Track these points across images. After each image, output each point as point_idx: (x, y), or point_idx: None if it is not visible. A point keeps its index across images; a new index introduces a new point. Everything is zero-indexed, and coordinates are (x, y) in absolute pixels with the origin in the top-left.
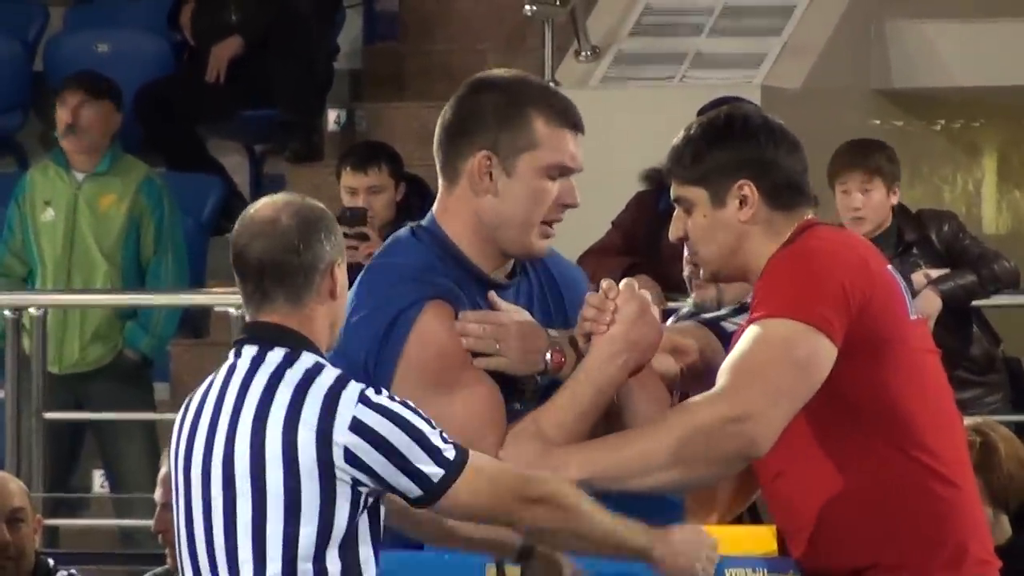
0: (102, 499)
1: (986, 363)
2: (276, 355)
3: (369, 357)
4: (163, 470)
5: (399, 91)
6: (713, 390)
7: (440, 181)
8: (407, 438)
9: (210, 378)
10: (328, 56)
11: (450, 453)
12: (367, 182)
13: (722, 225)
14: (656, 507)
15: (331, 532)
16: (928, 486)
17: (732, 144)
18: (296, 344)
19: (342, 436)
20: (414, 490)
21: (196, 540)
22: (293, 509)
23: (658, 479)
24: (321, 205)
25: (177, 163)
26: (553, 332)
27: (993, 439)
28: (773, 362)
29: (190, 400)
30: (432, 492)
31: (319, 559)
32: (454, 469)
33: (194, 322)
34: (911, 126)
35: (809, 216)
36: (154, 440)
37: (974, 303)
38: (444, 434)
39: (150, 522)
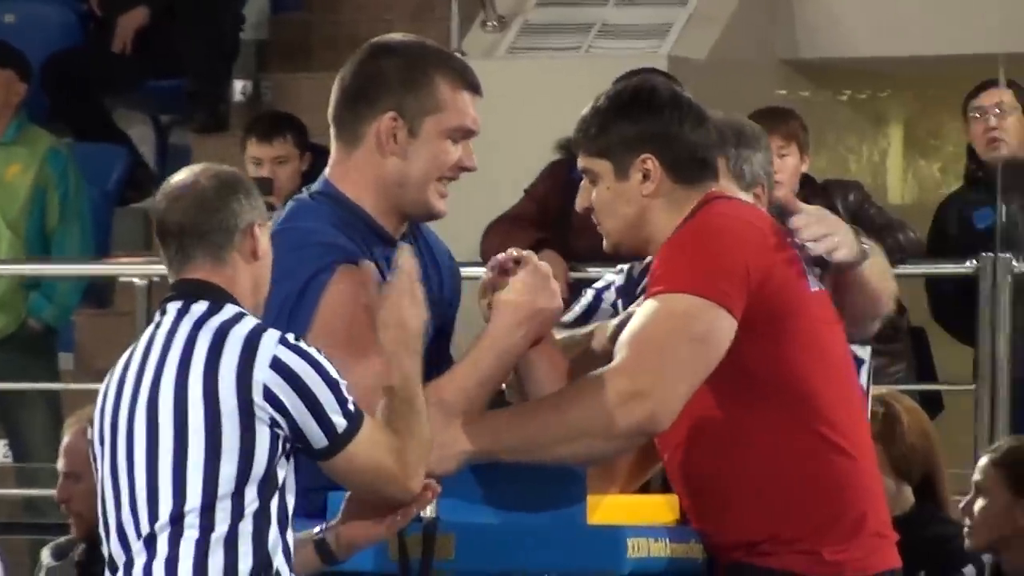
0: (5, 469)
1: (890, 332)
2: (200, 307)
3: (280, 321)
4: (66, 439)
5: (305, 61)
6: (612, 364)
7: (335, 144)
8: (323, 384)
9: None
10: (234, 26)
11: (352, 407)
12: (272, 153)
13: (625, 198)
14: (557, 478)
15: (251, 471)
16: (827, 459)
17: (637, 117)
18: (219, 298)
19: (262, 373)
20: (321, 440)
21: (120, 484)
22: (214, 448)
23: (558, 452)
24: (238, 171)
25: (83, 133)
26: None
27: (896, 410)
28: (673, 337)
29: (117, 363)
30: (336, 444)
31: (238, 494)
32: (356, 423)
33: (99, 292)
34: (817, 96)
35: (713, 189)
36: (58, 410)
37: None
38: (348, 389)
39: (53, 492)
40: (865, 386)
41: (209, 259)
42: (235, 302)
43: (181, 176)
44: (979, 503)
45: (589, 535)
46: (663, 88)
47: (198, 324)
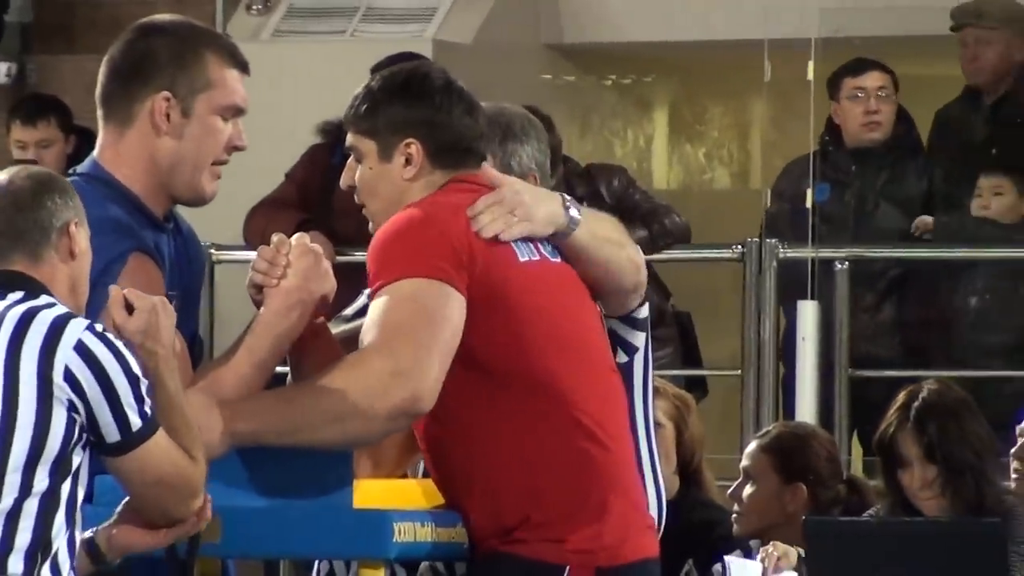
0: None
1: (656, 317)
2: (15, 296)
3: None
4: None
5: (69, 43)
6: (362, 349)
7: (105, 126)
8: (124, 378)
9: None
10: None
11: (150, 410)
12: (36, 136)
13: (387, 179)
14: (324, 462)
15: (43, 450)
16: (573, 444)
17: (406, 102)
18: (34, 289)
19: (64, 354)
20: (113, 434)
21: None
22: (8, 422)
23: (322, 436)
24: (56, 173)
25: None
26: None
27: (687, 398)
28: (411, 318)
29: None
30: (128, 442)
31: (28, 471)
32: (151, 426)
33: None
34: (582, 81)
35: (472, 173)
36: None
37: (645, 258)
38: (148, 391)
39: None
40: (643, 373)
41: (26, 257)
42: (50, 293)
43: None
44: (748, 489)
45: (355, 519)
46: (436, 75)
47: (7, 309)
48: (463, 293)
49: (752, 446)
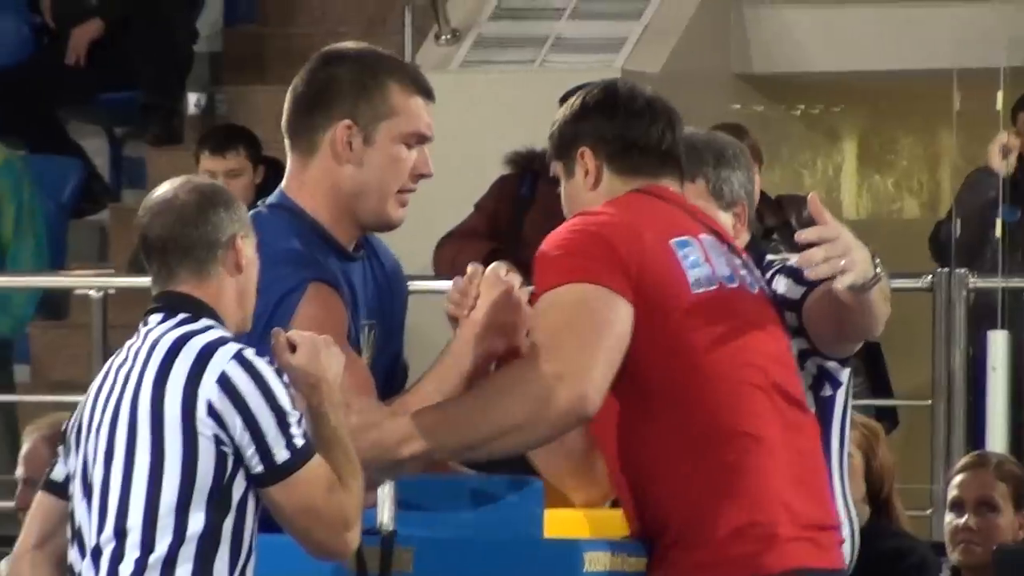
0: None
1: None
2: (175, 319)
3: (252, 339)
4: (26, 446)
5: (259, 74)
6: (527, 355)
7: (291, 155)
8: (268, 410)
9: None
10: (188, 38)
11: (299, 442)
12: (225, 165)
13: (574, 195)
14: (516, 491)
15: (193, 488)
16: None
17: (578, 117)
18: (197, 310)
19: (207, 389)
20: (257, 465)
21: (89, 494)
22: (158, 461)
23: (493, 449)
24: (219, 183)
25: (37, 146)
26: None
27: (875, 427)
28: (576, 322)
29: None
30: (274, 473)
31: (181, 513)
32: (300, 457)
33: (54, 304)
34: (771, 111)
35: (660, 184)
36: (13, 422)
37: None
38: (301, 421)
39: (11, 504)
40: (843, 406)
41: (193, 274)
42: (214, 315)
43: (162, 190)
44: (988, 518)
45: (545, 549)
46: (619, 88)
47: (164, 335)
48: (630, 300)
49: (980, 473)
